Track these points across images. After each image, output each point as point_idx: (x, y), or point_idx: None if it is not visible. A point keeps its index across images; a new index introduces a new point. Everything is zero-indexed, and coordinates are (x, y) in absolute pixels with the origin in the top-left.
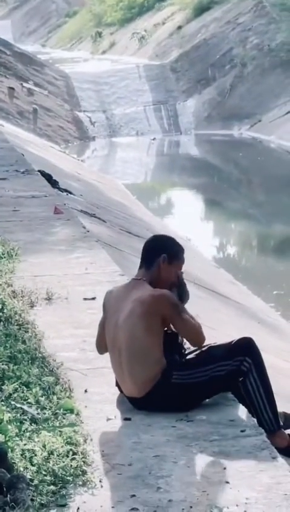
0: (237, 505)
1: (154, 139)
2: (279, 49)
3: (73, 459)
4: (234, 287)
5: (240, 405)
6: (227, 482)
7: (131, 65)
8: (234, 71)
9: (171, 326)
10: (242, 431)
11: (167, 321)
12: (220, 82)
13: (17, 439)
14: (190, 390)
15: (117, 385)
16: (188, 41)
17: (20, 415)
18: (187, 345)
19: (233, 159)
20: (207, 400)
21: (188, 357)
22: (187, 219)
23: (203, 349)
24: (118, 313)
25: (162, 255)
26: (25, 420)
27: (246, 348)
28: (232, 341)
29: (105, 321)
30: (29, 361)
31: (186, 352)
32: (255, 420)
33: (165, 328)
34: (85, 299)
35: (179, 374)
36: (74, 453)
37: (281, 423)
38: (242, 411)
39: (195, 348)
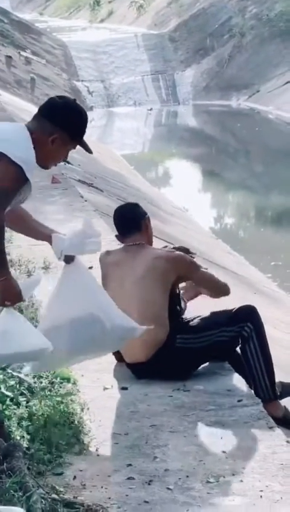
0: (233, 474)
1: (151, 109)
2: (278, 19)
3: (70, 428)
4: (231, 258)
5: (237, 374)
6: (224, 452)
7: (129, 34)
8: (233, 41)
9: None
10: (239, 400)
11: (179, 281)
12: (219, 51)
13: (14, 407)
14: (193, 355)
15: (114, 353)
16: (186, 10)
17: (17, 384)
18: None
19: (231, 130)
20: (204, 370)
21: (191, 322)
22: (185, 189)
23: (206, 315)
24: (123, 278)
25: (145, 216)
26: (22, 389)
27: (248, 315)
28: (235, 308)
29: (104, 286)
30: None
31: (186, 319)
32: (252, 390)
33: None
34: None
35: (183, 338)
36: (71, 422)
37: (278, 393)
38: (239, 381)
39: (195, 315)
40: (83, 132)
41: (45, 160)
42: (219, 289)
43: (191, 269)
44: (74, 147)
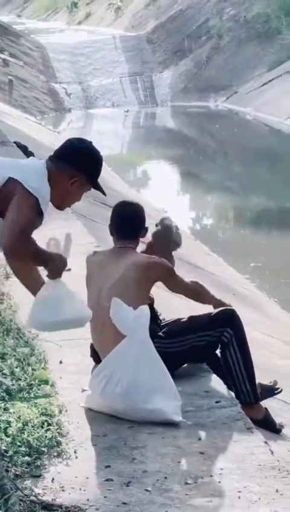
0: (211, 476)
1: (127, 111)
2: (255, 20)
3: (48, 429)
4: (209, 259)
5: (215, 376)
6: (202, 453)
7: (107, 36)
8: (210, 43)
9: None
10: (217, 402)
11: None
12: (197, 53)
13: None
14: (170, 359)
15: (92, 356)
16: (164, 12)
17: None
18: (162, 316)
19: (209, 131)
20: (182, 371)
21: (169, 327)
22: (163, 191)
23: (184, 319)
24: (103, 281)
25: (142, 231)
26: (0, 391)
27: (228, 320)
28: (214, 312)
29: (87, 287)
30: (4, 332)
31: (163, 323)
32: (230, 392)
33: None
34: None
35: (160, 343)
36: (49, 424)
37: (259, 397)
38: (217, 383)
39: (172, 319)
40: (99, 175)
41: (61, 201)
42: (200, 297)
43: (167, 276)
44: (90, 189)
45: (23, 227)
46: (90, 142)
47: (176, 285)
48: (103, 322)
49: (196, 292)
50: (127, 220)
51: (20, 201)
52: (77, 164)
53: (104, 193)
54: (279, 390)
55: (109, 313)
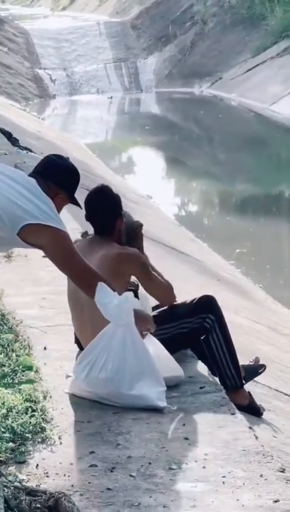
0: (195, 461)
1: (111, 97)
2: (240, 6)
3: (32, 416)
4: (194, 245)
5: (199, 361)
6: (186, 438)
7: (91, 22)
8: (195, 28)
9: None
10: (201, 387)
11: (130, 278)
12: (181, 39)
13: None
14: None
15: (76, 342)
16: None
17: None
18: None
19: (194, 117)
20: None
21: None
22: (148, 177)
23: (166, 307)
24: None
25: (118, 219)
26: None
27: (208, 306)
28: (194, 299)
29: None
30: None
31: None
32: (214, 377)
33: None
34: (44, 256)
35: None
36: (33, 410)
37: (244, 381)
38: (201, 368)
39: (154, 306)
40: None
41: None
42: (167, 299)
43: (141, 271)
44: (67, 204)
45: (85, 268)
46: (68, 158)
47: (148, 283)
48: (82, 310)
49: (168, 295)
50: (100, 211)
51: (61, 246)
52: (60, 183)
53: (80, 207)
54: (263, 368)
55: (87, 304)
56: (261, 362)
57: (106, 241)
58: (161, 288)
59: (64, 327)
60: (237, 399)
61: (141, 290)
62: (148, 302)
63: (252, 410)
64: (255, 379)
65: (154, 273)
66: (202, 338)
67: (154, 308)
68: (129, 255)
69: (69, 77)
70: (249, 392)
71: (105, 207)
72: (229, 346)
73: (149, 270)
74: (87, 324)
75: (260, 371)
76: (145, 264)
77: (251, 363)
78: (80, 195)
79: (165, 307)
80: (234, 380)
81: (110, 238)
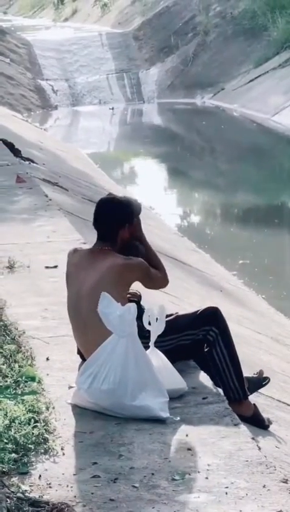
0: (198, 472)
1: (112, 108)
2: (242, 17)
3: (35, 426)
4: (196, 256)
5: (202, 372)
6: (189, 449)
7: (93, 33)
8: (197, 39)
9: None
10: (204, 398)
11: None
12: (183, 50)
13: None
14: None
15: (79, 352)
16: (150, 9)
17: None
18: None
19: (196, 128)
20: None
21: None
22: (150, 188)
23: (170, 318)
24: (80, 282)
25: (123, 228)
26: None
27: (212, 318)
28: (198, 310)
29: (67, 285)
30: None
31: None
32: (218, 388)
33: (128, 296)
34: (47, 267)
35: (145, 342)
36: (36, 421)
37: (248, 393)
38: (204, 379)
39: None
40: None
41: None
42: (159, 288)
43: (143, 277)
44: None
45: None
46: None
47: (151, 283)
48: (83, 321)
49: (164, 283)
50: (103, 220)
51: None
52: None
53: None
54: (267, 380)
55: (89, 315)
56: (264, 375)
57: (104, 254)
58: (159, 281)
59: (67, 338)
60: (241, 411)
61: (158, 301)
62: (165, 311)
63: (257, 422)
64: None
65: (153, 270)
66: (205, 350)
67: None
68: (134, 265)
69: (71, 87)
70: (254, 404)
71: (109, 215)
72: (233, 359)
73: (150, 273)
74: (90, 336)
75: (264, 383)
76: (147, 270)
77: (255, 375)
78: (83, 204)
79: (169, 317)
80: (238, 392)
81: (112, 247)
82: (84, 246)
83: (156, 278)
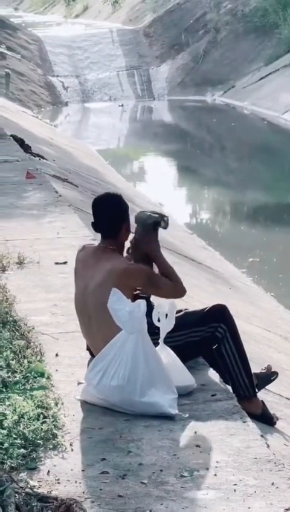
0: (207, 469)
1: (122, 105)
2: (253, 14)
3: (44, 422)
4: (206, 253)
5: (211, 369)
6: (197, 446)
7: (104, 30)
8: (208, 36)
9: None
10: (213, 395)
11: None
12: (194, 47)
13: None
14: None
15: (88, 349)
16: (161, 5)
17: None
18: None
19: (206, 125)
20: None
21: None
22: (160, 185)
23: (179, 314)
24: (87, 279)
25: (124, 224)
26: None
27: (220, 315)
28: (206, 308)
29: (75, 281)
30: (0, 325)
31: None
32: (226, 385)
33: (137, 292)
34: (57, 263)
35: (154, 339)
36: (45, 417)
37: (257, 390)
38: (213, 376)
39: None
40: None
41: None
42: (173, 298)
43: (148, 285)
44: None
45: None
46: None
47: (159, 291)
48: (89, 317)
49: (178, 294)
50: (103, 219)
51: None
52: None
53: None
54: (275, 375)
55: (95, 311)
56: (273, 370)
57: (110, 253)
58: (170, 292)
59: (76, 334)
60: (250, 408)
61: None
62: (175, 308)
63: (265, 419)
64: (266, 387)
65: (161, 278)
66: (214, 347)
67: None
68: (134, 270)
69: (82, 84)
70: (262, 401)
71: (107, 209)
72: (242, 356)
73: (156, 280)
74: (97, 333)
75: (272, 378)
76: (150, 277)
77: (263, 371)
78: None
79: (178, 314)
80: (247, 389)
81: (116, 245)
82: (93, 242)
83: (165, 286)
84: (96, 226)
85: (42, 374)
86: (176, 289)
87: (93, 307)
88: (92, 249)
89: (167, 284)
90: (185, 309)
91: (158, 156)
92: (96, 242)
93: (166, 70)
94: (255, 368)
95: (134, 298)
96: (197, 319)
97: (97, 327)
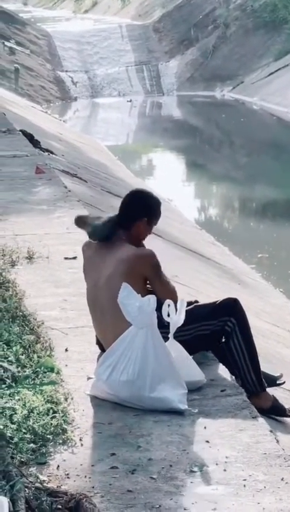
0: (216, 464)
1: (130, 100)
2: (262, 10)
3: (53, 417)
4: (215, 248)
5: (221, 365)
6: (207, 441)
7: (113, 25)
8: (217, 32)
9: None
10: (222, 390)
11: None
12: (203, 42)
13: None
14: None
15: (98, 343)
16: (170, 1)
17: (1, 373)
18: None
19: (215, 121)
20: None
21: None
22: (169, 180)
23: (188, 308)
24: (98, 272)
25: (143, 219)
26: (6, 378)
27: (231, 309)
28: (217, 301)
29: (84, 276)
30: (10, 320)
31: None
32: (235, 380)
33: (148, 286)
34: (66, 258)
35: (163, 332)
36: (54, 412)
37: (265, 384)
38: (223, 371)
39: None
40: None
41: None
42: (168, 293)
43: (153, 273)
44: None
45: None
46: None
47: (158, 285)
48: (102, 312)
49: (173, 299)
50: (123, 208)
51: None
52: None
53: None
54: (282, 382)
55: (107, 305)
56: (283, 371)
57: (117, 244)
58: (169, 292)
59: (86, 329)
60: (259, 403)
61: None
62: (184, 304)
63: (277, 411)
64: None
65: (165, 277)
66: (223, 341)
67: None
68: (143, 255)
69: (91, 79)
70: (273, 395)
71: (130, 201)
72: (251, 351)
73: (161, 273)
74: (108, 327)
75: (278, 383)
76: (157, 266)
77: (274, 374)
78: (102, 196)
79: (188, 308)
80: (255, 385)
81: (126, 236)
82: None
83: (167, 284)
84: (118, 215)
85: (52, 369)
86: (173, 292)
87: (105, 300)
88: (99, 242)
89: (168, 282)
90: (195, 301)
91: (167, 151)
92: None
93: (175, 65)
94: (263, 363)
95: (146, 292)
96: (208, 312)
97: (109, 322)
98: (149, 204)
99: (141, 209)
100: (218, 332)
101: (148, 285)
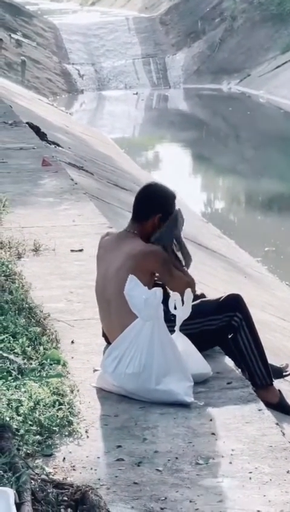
0: (222, 456)
1: (136, 93)
2: (269, 2)
3: (59, 409)
4: (221, 241)
5: (226, 357)
6: (213, 434)
7: (120, 17)
8: (224, 25)
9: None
10: (229, 383)
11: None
12: (210, 35)
13: (3, 388)
14: None
15: (104, 336)
16: None
17: (7, 365)
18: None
19: (222, 114)
20: None
21: None
22: (175, 173)
23: (195, 303)
24: (107, 264)
25: (157, 215)
26: (12, 370)
27: (235, 304)
28: (221, 297)
29: (97, 267)
30: (16, 312)
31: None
32: (241, 373)
33: (155, 279)
34: (72, 250)
35: (170, 325)
36: (60, 404)
37: (273, 378)
38: (229, 364)
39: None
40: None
41: None
42: (181, 286)
43: (162, 268)
44: None
45: None
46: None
47: (169, 279)
48: (108, 304)
49: (186, 282)
50: (137, 200)
51: None
52: None
53: None
54: (288, 373)
55: (114, 297)
56: (288, 361)
57: (132, 237)
58: (182, 285)
59: (92, 321)
60: (267, 397)
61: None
62: (191, 296)
63: (282, 408)
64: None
65: (175, 269)
66: (229, 336)
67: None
68: (151, 251)
69: (97, 72)
70: (279, 390)
71: (147, 195)
72: (258, 344)
73: (170, 266)
74: (115, 318)
75: (285, 374)
76: (166, 261)
77: (281, 365)
78: (108, 189)
79: (194, 302)
80: (264, 378)
81: (139, 230)
82: (110, 230)
83: (179, 277)
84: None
85: (58, 361)
86: (189, 287)
87: (113, 292)
88: (114, 234)
89: (179, 275)
90: (202, 294)
91: (174, 144)
92: (115, 230)
93: (182, 58)
94: (270, 356)
95: (153, 284)
96: (213, 307)
97: (115, 313)
98: (164, 200)
99: (155, 204)
100: (224, 327)
101: (156, 279)
